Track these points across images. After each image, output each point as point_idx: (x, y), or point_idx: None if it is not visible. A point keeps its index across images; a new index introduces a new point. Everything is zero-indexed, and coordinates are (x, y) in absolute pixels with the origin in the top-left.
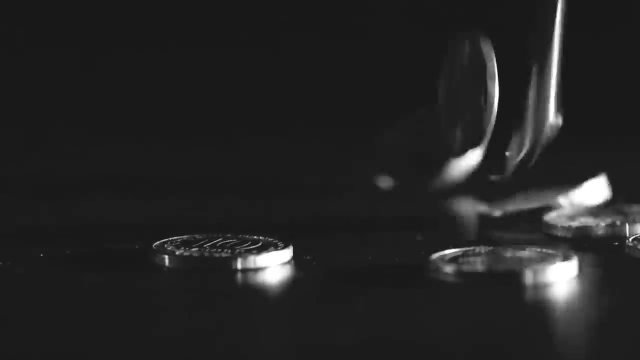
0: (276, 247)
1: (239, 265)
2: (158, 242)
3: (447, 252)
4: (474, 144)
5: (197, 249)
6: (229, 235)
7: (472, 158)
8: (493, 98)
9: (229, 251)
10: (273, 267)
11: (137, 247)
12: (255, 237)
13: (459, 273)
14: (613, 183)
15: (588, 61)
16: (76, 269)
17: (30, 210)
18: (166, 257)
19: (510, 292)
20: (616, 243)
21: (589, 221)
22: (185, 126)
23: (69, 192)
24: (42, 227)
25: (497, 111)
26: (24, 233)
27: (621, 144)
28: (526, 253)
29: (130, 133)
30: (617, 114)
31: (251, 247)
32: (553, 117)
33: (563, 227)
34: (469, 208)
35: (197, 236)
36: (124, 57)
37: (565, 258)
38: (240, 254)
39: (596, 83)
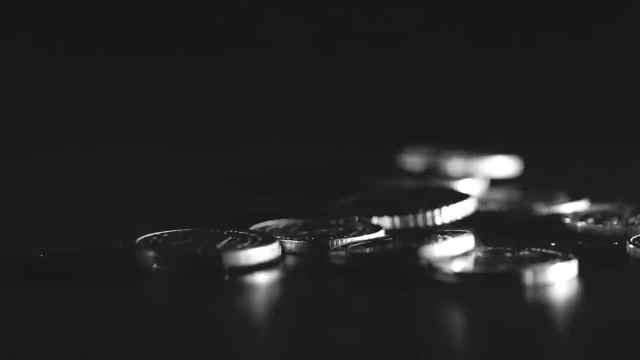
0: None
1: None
2: (147, 240)
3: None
4: None
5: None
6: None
7: None
8: None
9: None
10: (272, 266)
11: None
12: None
13: (459, 273)
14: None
15: (587, 62)
16: (76, 269)
17: (30, 209)
18: (158, 257)
19: (510, 292)
20: (616, 243)
21: (589, 222)
22: (184, 127)
23: (69, 192)
24: (42, 227)
25: None
26: (24, 233)
27: (621, 144)
28: (526, 253)
29: (131, 133)
30: (616, 115)
31: (245, 243)
32: None
33: (562, 228)
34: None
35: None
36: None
37: (565, 258)
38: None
39: (596, 84)
